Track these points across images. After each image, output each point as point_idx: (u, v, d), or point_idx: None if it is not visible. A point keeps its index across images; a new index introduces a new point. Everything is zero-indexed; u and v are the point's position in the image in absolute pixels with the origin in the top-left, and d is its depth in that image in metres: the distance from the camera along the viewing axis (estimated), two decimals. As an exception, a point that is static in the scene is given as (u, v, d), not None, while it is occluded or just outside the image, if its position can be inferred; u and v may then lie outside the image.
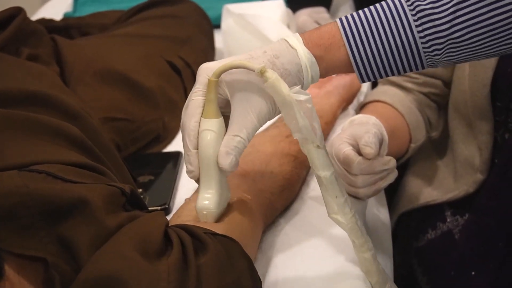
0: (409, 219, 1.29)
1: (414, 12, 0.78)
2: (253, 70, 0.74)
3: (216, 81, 0.76)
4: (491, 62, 1.14)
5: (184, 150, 0.78)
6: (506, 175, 1.12)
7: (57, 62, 1.12)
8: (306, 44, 0.79)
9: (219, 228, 0.75)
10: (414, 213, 1.28)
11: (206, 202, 0.77)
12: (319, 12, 1.57)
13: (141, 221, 0.69)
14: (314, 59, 0.80)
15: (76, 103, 0.91)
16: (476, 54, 0.81)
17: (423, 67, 0.82)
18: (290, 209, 0.97)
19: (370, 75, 0.81)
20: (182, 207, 0.85)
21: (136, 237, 0.66)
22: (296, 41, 0.79)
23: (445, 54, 0.80)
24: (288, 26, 1.42)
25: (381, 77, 0.83)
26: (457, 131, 1.22)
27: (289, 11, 1.47)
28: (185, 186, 1.03)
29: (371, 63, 0.80)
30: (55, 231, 0.65)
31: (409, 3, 0.78)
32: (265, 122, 0.78)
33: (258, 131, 0.79)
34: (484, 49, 0.80)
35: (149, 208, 0.78)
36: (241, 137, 0.75)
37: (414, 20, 0.78)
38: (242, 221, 0.81)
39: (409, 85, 1.21)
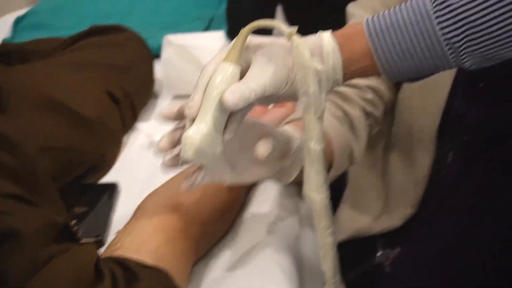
0: (341, 250, 1.28)
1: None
2: (284, 31, 0.76)
3: (248, 32, 0.77)
4: (443, 94, 1.15)
5: (193, 90, 0.78)
6: (439, 209, 1.14)
7: None
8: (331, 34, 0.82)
9: (150, 259, 0.76)
10: (345, 244, 1.26)
11: (191, 131, 0.75)
12: None
13: (72, 253, 0.70)
14: (337, 46, 0.81)
15: (11, 131, 0.91)
16: (501, 44, 0.81)
17: (446, 60, 0.82)
18: (224, 237, 0.99)
19: (393, 67, 0.83)
20: (117, 236, 0.85)
21: (67, 269, 0.67)
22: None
23: (465, 42, 0.80)
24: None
25: (402, 71, 0.83)
26: (394, 164, 1.23)
27: (229, 42, 1.49)
28: (121, 219, 1.02)
29: (392, 53, 0.82)
30: None
31: None
32: (278, 88, 0.78)
33: None
34: (507, 38, 0.80)
35: (84, 240, 0.79)
36: (252, 86, 0.75)
37: (433, 7, 0.79)
38: (173, 252, 0.82)
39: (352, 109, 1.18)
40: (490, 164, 1.12)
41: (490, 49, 0.81)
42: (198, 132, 0.74)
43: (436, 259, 1.18)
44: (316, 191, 0.81)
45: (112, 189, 1.11)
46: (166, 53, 1.40)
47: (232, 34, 1.58)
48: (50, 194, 0.87)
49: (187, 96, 1.37)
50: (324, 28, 1.02)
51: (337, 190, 1.32)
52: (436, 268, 1.18)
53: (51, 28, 1.74)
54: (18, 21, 1.81)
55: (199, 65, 1.35)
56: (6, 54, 1.35)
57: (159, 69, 1.44)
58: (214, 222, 0.94)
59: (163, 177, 0.97)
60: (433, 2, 0.80)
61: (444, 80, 1.15)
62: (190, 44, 1.38)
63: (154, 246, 0.80)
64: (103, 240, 0.98)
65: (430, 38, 0.81)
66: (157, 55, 1.46)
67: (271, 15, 1.67)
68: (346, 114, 1.15)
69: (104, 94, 1.27)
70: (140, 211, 0.89)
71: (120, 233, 0.85)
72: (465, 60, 0.82)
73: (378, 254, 1.23)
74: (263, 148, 0.82)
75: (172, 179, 0.97)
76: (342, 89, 1.15)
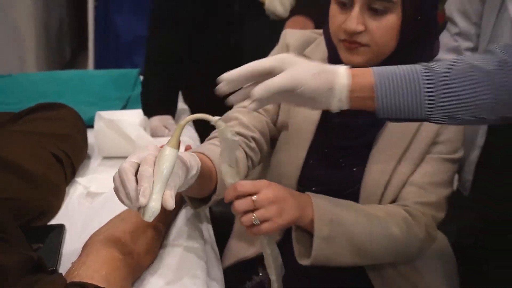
0: (231, 272, 1.27)
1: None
2: (211, 120, 0.83)
3: (183, 126, 0.82)
4: (302, 153, 1.18)
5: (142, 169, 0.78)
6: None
7: None
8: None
9: (102, 284, 0.77)
10: (235, 266, 1.26)
11: (153, 204, 0.77)
12: (167, 119, 1.60)
13: (47, 281, 0.70)
14: (350, 73, 0.85)
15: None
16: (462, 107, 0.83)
17: (421, 105, 0.83)
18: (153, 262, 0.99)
19: (384, 103, 0.84)
20: (73, 266, 0.84)
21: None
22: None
23: (437, 101, 0.83)
24: (145, 129, 1.46)
25: (391, 108, 0.84)
26: None
27: (145, 117, 1.50)
28: (69, 252, 1.02)
29: (387, 91, 0.84)
30: None
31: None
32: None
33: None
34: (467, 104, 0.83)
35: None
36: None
37: (423, 70, 0.84)
38: (118, 277, 0.84)
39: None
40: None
41: (455, 110, 0.84)
42: (158, 203, 0.78)
43: (305, 283, 1.22)
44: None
45: (60, 228, 1.09)
46: (98, 125, 1.40)
47: (145, 111, 1.57)
48: (18, 235, 0.87)
49: (114, 157, 1.39)
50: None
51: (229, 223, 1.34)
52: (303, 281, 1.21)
53: (5, 103, 1.69)
54: (-29, 98, 1.74)
55: (123, 134, 1.37)
56: (-38, 126, 1.31)
57: (91, 136, 1.43)
58: (145, 253, 0.95)
59: (98, 219, 1.02)
60: (424, 67, 0.85)
61: (303, 142, 1.18)
62: (116, 118, 1.39)
63: (104, 274, 0.82)
64: (56, 270, 0.96)
65: (416, 91, 0.83)
66: (89, 126, 1.45)
67: (175, 98, 1.69)
68: None
69: (49, 155, 1.25)
70: (89, 247, 0.89)
71: (75, 264, 0.85)
72: (433, 115, 0.84)
73: (260, 274, 1.26)
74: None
75: (110, 221, 0.98)
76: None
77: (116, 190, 0.80)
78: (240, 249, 1.28)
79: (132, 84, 1.86)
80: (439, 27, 1.26)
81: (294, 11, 1.64)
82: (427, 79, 0.84)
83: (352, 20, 1.02)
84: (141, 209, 0.77)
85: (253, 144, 1.15)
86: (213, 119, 0.84)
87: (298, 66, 0.84)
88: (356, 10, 1.02)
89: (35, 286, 0.68)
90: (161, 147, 0.82)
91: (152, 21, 1.66)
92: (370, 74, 0.85)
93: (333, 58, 1.13)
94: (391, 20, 1.03)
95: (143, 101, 1.65)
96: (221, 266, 1.16)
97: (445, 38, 1.51)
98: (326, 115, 1.17)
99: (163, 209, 0.86)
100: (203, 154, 1.01)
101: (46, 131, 1.30)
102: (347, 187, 1.15)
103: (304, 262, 1.06)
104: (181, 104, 1.72)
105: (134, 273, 0.92)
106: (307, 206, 1.04)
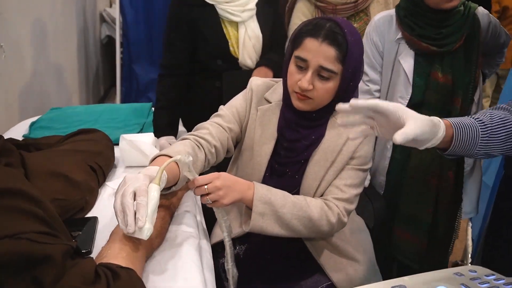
0: (216, 248, 1.23)
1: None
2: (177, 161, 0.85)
3: (164, 168, 0.82)
4: (262, 168, 1.14)
5: (139, 199, 0.77)
6: None
7: (22, 166, 1.03)
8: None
9: (123, 263, 0.73)
10: (219, 243, 1.22)
11: (147, 231, 0.77)
12: (171, 139, 1.56)
13: (81, 264, 0.66)
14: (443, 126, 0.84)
15: (36, 192, 0.84)
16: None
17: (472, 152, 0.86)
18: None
19: (456, 146, 0.85)
20: (102, 250, 0.81)
21: (80, 274, 0.64)
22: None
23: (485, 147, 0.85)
24: (155, 146, 1.42)
25: (457, 150, 0.85)
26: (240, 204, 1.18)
27: (156, 138, 1.46)
28: (101, 238, 0.96)
29: (459, 139, 0.85)
30: (30, 274, 0.60)
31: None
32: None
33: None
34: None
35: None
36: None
37: (478, 125, 0.86)
38: (135, 257, 0.80)
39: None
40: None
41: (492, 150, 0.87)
42: (151, 224, 0.78)
43: (264, 252, 1.20)
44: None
45: (94, 220, 1.05)
46: (122, 143, 1.35)
47: (155, 133, 1.53)
48: (63, 229, 0.82)
49: (133, 166, 1.33)
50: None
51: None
52: (265, 256, 1.20)
53: (52, 129, 1.63)
54: (32, 124, 1.68)
55: (140, 151, 1.33)
56: (26, 145, 1.25)
57: (117, 151, 1.38)
58: (155, 237, 0.91)
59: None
60: (477, 121, 0.86)
61: (263, 161, 1.15)
62: (135, 139, 1.35)
63: (124, 255, 0.78)
64: (91, 251, 0.92)
65: (474, 141, 0.85)
66: (115, 144, 1.40)
67: (177, 124, 1.64)
68: (196, 154, 1.06)
69: (87, 167, 1.21)
70: (114, 235, 0.85)
71: (104, 248, 0.81)
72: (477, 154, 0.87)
73: (237, 247, 1.22)
74: None
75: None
76: (201, 141, 1.08)
77: (117, 216, 0.79)
78: (220, 232, 1.23)
79: (147, 114, 1.81)
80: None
81: (259, 64, 1.63)
82: (482, 130, 0.86)
83: (305, 81, 1.01)
84: (136, 231, 0.77)
85: (213, 150, 1.10)
86: (176, 158, 0.86)
87: (416, 118, 0.80)
88: (309, 74, 1.02)
89: (73, 268, 0.64)
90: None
91: (161, 70, 1.62)
92: (450, 127, 0.86)
93: (287, 102, 1.11)
94: (332, 84, 1.03)
95: (154, 126, 1.60)
96: (210, 242, 1.13)
97: (359, 83, 1.49)
98: (278, 142, 1.14)
99: (168, 205, 0.83)
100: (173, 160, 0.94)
101: (85, 149, 1.26)
102: (291, 190, 1.13)
103: (245, 228, 1.06)
104: (181, 127, 1.69)
105: (147, 253, 0.88)
106: (250, 190, 1.03)
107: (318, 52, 1.00)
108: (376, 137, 1.27)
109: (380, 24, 1.42)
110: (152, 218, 0.77)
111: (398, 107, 0.80)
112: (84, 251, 0.90)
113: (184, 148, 1.03)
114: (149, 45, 3.29)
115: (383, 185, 1.51)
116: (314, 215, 1.06)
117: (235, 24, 1.58)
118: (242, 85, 1.26)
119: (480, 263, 1.16)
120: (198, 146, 1.07)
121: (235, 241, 1.22)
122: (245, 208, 1.07)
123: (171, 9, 1.59)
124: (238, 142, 1.21)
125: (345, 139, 1.11)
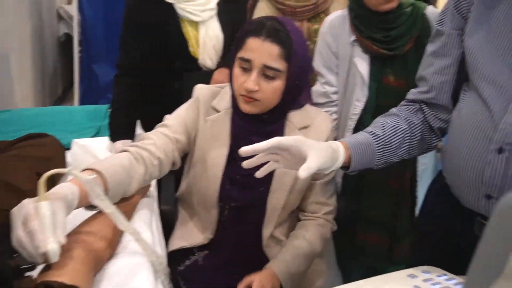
0: (174, 255, 1.19)
1: None
2: (74, 174, 0.78)
3: (43, 183, 0.76)
4: (217, 180, 1.10)
5: (30, 225, 0.70)
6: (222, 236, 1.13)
7: None
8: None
9: (67, 279, 0.69)
10: (177, 251, 1.19)
11: (55, 250, 0.71)
12: (127, 142, 1.50)
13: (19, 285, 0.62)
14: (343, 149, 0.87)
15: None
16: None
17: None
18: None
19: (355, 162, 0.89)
20: (47, 265, 0.74)
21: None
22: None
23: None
24: (110, 151, 1.37)
25: (357, 165, 0.89)
26: (201, 216, 1.16)
27: (110, 142, 1.42)
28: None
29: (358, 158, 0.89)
30: None
31: None
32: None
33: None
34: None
35: (22, 266, 0.71)
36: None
37: (373, 140, 0.92)
38: (82, 273, 0.75)
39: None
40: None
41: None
42: (55, 244, 0.70)
43: (224, 258, 1.18)
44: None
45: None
46: (74, 149, 1.31)
47: (111, 136, 1.49)
48: (4, 244, 0.76)
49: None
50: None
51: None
52: (225, 261, 1.18)
53: (1, 132, 1.56)
54: (-22, 128, 1.58)
55: (93, 155, 1.28)
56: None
57: (69, 157, 1.33)
58: (104, 248, 0.86)
59: (73, 222, 0.88)
60: (371, 135, 0.89)
61: (217, 173, 1.11)
62: (88, 144, 1.31)
63: (70, 270, 0.73)
64: (35, 266, 0.85)
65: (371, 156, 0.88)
66: (67, 149, 1.34)
67: (134, 126, 1.58)
68: (132, 168, 0.96)
69: (34, 174, 1.13)
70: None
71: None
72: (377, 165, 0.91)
73: (195, 254, 1.20)
74: None
75: (78, 225, 0.89)
76: (143, 153, 1.00)
77: (21, 255, 0.72)
78: (180, 240, 1.22)
79: (103, 116, 1.76)
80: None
81: (219, 65, 1.60)
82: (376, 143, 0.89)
83: (250, 82, 1.00)
84: (44, 255, 0.70)
85: (156, 162, 1.01)
86: (66, 171, 0.78)
87: (316, 148, 0.81)
88: (254, 74, 1.00)
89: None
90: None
91: (117, 71, 1.58)
92: (348, 148, 0.88)
93: (236, 109, 1.09)
94: (278, 83, 1.02)
95: (110, 129, 1.55)
96: (166, 250, 1.11)
97: (316, 86, 1.48)
98: (232, 153, 1.12)
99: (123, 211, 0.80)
100: (101, 174, 0.87)
101: (33, 155, 1.19)
102: (256, 201, 1.12)
103: None
104: (139, 130, 1.63)
105: (97, 266, 0.83)
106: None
107: (261, 50, 0.98)
108: None
109: (334, 24, 1.40)
110: (57, 235, 0.70)
111: (299, 141, 0.82)
112: (25, 266, 0.84)
113: (120, 161, 0.94)
114: (109, 45, 3.19)
115: (339, 186, 1.51)
116: (318, 248, 1.14)
117: (195, 24, 1.54)
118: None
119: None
120: (137, 159, 0.98)
121: (194, 248, 1.20)
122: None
123: (128, 8, 1.54)
124: (186, 154, 1.16)
125: None
